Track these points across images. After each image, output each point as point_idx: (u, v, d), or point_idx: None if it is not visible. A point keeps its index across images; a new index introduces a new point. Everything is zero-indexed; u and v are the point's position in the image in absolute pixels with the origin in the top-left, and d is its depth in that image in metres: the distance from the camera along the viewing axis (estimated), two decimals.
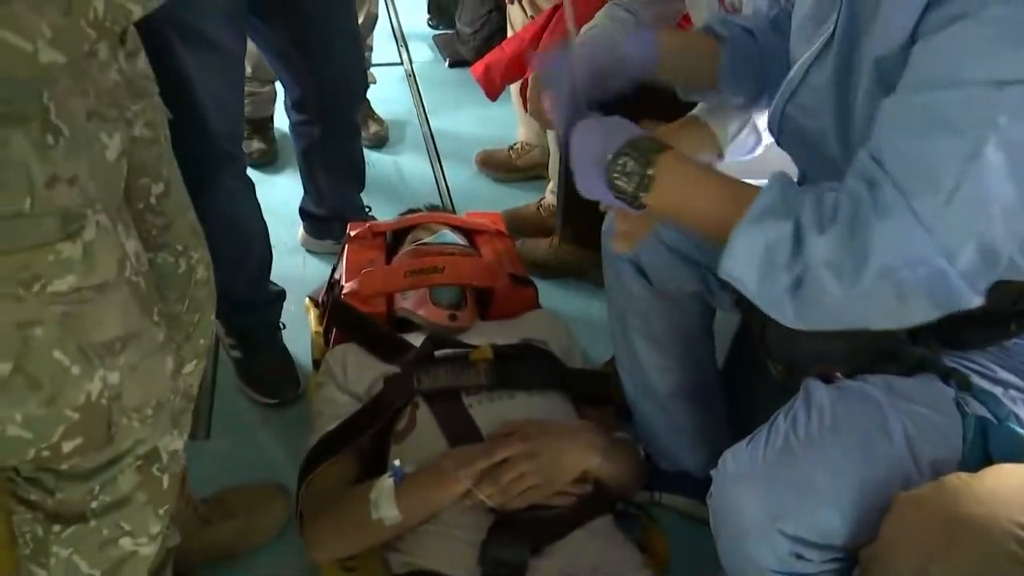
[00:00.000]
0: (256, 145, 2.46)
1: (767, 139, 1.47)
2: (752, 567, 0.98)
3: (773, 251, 0.81)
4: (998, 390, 0.97)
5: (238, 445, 1.62)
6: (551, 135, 2.14)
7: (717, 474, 1.00)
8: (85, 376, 0.83)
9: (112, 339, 0.84)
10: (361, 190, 2.10)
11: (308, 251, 2.16)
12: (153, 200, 1.03)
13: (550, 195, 2.23)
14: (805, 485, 0.92)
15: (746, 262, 0.83)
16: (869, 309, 0.80)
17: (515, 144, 2.53)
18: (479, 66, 2.09)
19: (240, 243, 1.57)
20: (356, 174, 2.03)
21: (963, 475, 0.86)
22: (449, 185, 2.50)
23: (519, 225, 2.21)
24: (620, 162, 0.92)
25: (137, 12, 0.76)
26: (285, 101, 1.89)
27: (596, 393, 1.50)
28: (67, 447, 0.84)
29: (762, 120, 1.29)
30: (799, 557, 0.94)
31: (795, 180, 0.91)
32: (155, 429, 0.94)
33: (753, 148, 1.36)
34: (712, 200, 0.89)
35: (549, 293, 1.96)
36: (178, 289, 1.10)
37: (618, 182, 0.92)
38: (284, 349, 1.75)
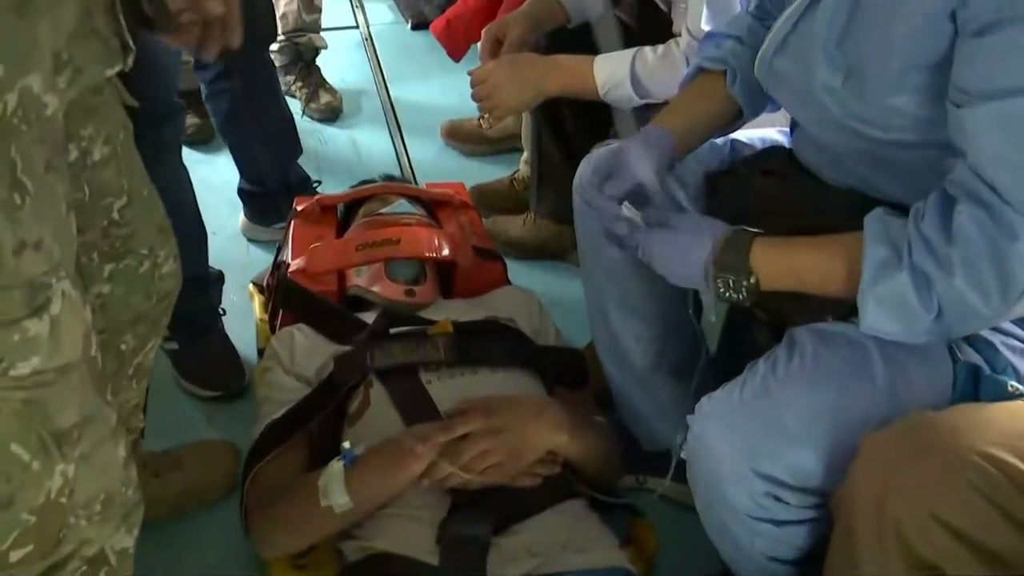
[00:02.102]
0: (191, 120, 2.58)
1: None
2: (729, 513, 1.11)
3: (904, 302, 0.99)
4: (997, 338, 1.11)
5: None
6: None
7: (692, 419, 1.14)
8: (45, 472, 0.84)
9: (71, 426, 0.86)
10: (298, 155, 2.24)
11: (251, 240, 2.28)
12: (116, 215, 1.14)
13: (524, 166, 2.36)
14: (779, 423, 1.06)
15: (883, 319, 1.01)
16: (1015, 314, 0.99)
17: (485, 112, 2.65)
18: (439, 22, 2.22)
19: (173, 208, 1.69)
20: (288, 134, 2.18)
21: (930, 412, 0.99)
22: (412, 161, 2.63)
23: (491, 201, 2.34)
24: (720, 282, 1.11)
25: (53, 106, 0.83)
26: (192, 63, 2.02)
27: (570, 372, 1.63)
28: (15, 556, 0.85)
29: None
30: (776, 499, 1.08)
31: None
32: (103, 527, 0.95)
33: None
34: (819, 270, 1.07)
35: (525, 274, 2.09)
36: (142, 290, 1.22)
37: (729, 295, 1.11)
38: (226, 337, 1.88)
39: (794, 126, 1.30)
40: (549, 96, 1.79)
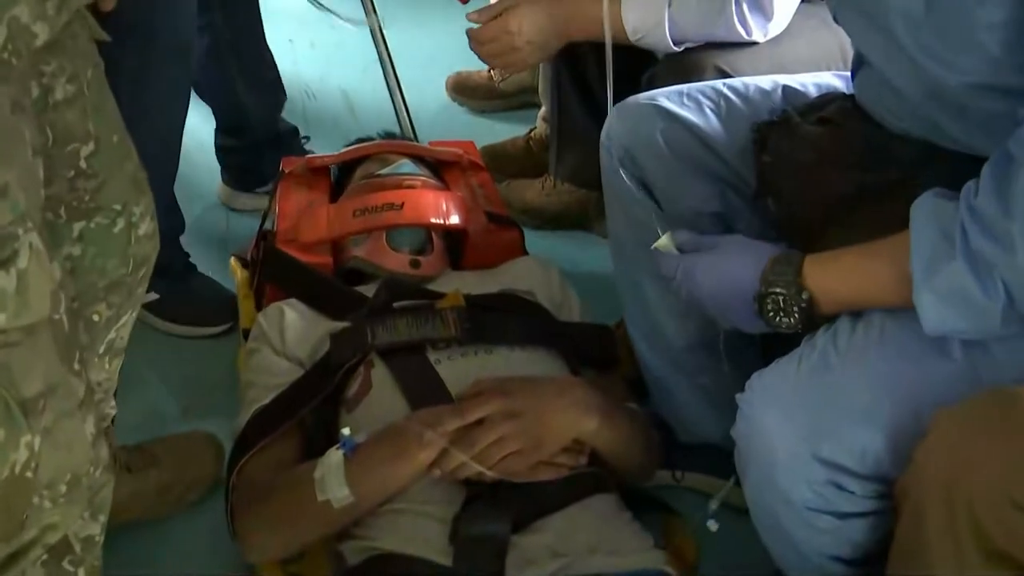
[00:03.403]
0: None
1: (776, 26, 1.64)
2: (785, 505, 1.14)
3: (965, 294, 1.00)
4: None
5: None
6: None
7: (743, 398, 1.16)
8: (10, 443, 0.87)
9: (37, 394, 0.89)
10: (282, 104, 2.31)
11: (232, 209, 2.32)
12: (83, 164, 1.17)
13: (542, 123, 2.38)
14: (842, 402, 1.08)
15: (945, 318, 1.03)
16: None
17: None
18: None
19: (164, 141, 1.81)
20: (272, 78, 2.27)
21: (1011, 386, 1.00)
22: (413, 118, 2.63)
23: (505, 164, 2.37)
24: (771, 303, 1.15)
25: (43, 36, 0.86)
26: None
27: (598, 352, 1.65)
28: None
29: None
30: (839, 488, 1.10)
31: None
32: (68, 511, 0.97)
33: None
34: (874, 275, 1.10)
35: (543, 246, 2.11)
36: (118, 253, 1.25)
37: (780, 320, 1.16)
38: (205, 276, 2.01)
39: (856, 67, 1.32)
40: (567, 41, 1.81)
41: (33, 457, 0.89)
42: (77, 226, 1.20)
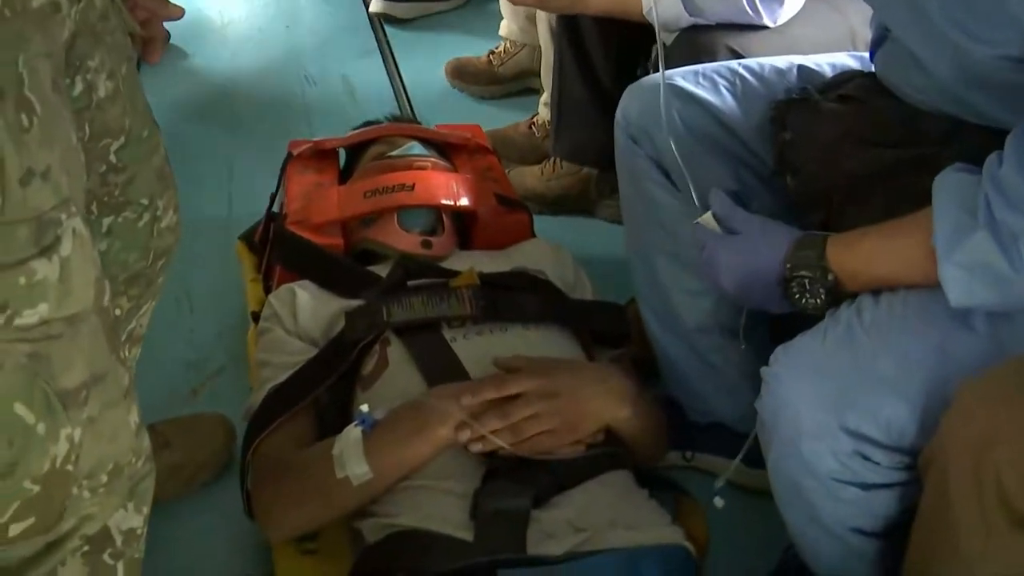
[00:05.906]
0: None
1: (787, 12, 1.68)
2: (809, 476, 1.15)
3: (989, 265, 1.01)
4: None
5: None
6: (542, 27, 2.30)
7: (767, 371, 1.18)
8: (51, 436, 0.85)
9: (79, 385, 0.87)
10: None
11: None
12: (113, 158, 1.17)
13: (543, 108, 2.39)
14: (869, 372, 1.09)
15: (970, 290, 1.04)
16: None
17: (496, 47, 2.68)
18: None
19: None
20: None
21: None
22: (413, 103, 2.65)
23: (506, 150, 2.37)
24: (796, 286, 1.18)
25: None
26: None
27: (610, 330, 1.66)
28: (15, 530, 0.86)
29: None
30: (864, 459, 1.12)
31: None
32: (107, 501, 0.95)
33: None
34: (897, 253, 1.12)
35: (545, 230, 2.10)
36: (139, 247, 1.26)
37: (806, 302, 1.18)
38: None
39: (877, 44, 1.33)
40: (581, 12, 1.82)
41: (73, 449, 0.88)
42: (106, 221, 1.21)
